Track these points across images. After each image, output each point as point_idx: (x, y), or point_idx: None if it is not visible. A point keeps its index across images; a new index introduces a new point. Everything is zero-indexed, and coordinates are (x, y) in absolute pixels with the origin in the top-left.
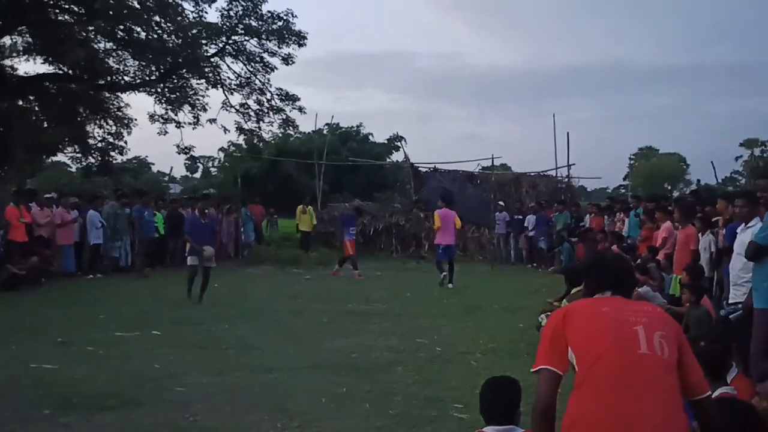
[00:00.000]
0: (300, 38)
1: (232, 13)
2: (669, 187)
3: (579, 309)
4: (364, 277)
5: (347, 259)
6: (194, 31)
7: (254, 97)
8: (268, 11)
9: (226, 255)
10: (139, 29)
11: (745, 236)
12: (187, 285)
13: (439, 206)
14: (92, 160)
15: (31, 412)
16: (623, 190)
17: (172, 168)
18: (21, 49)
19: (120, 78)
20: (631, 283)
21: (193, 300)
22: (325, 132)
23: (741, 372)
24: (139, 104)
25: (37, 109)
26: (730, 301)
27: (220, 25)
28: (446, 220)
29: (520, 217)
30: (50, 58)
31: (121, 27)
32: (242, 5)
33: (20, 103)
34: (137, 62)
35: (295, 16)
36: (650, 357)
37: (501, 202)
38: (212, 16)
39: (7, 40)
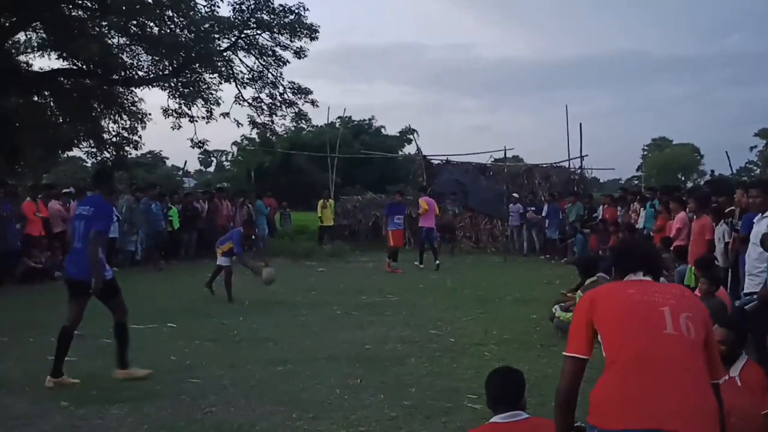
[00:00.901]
0: (312, 31)
1: (244, 7)
2: (683, 178)
3: (606, 292)
4: (402, 272)
5: (395, 251)
6: (207, 26)
7: (267, 91)
8: (280, 5)
9: None
10: (152, 24)
11: (761, 226)
12: (226, 289)
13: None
14: (107, 155)
15: (48, 404)
16: (636, 181)
17: (186, 162)
18: (35, 45)
19: (134, 73)
20: (660, 265)
21: (236, 300)
22: (337, 125)
23: (750, 360)
24: (152, 99)
25: (52, 104)
26: (745, 291)
27: (232, 19)
28: (431, 207)
29: (533, 208)
30: (64, 54)
31: (134, 22)
32: None
33: (35, 99)
34: (150, 57)
35: (307, 9)
36: (676, 337)
37: (515, 194)
38: (224, 10)
39: (21, 37)
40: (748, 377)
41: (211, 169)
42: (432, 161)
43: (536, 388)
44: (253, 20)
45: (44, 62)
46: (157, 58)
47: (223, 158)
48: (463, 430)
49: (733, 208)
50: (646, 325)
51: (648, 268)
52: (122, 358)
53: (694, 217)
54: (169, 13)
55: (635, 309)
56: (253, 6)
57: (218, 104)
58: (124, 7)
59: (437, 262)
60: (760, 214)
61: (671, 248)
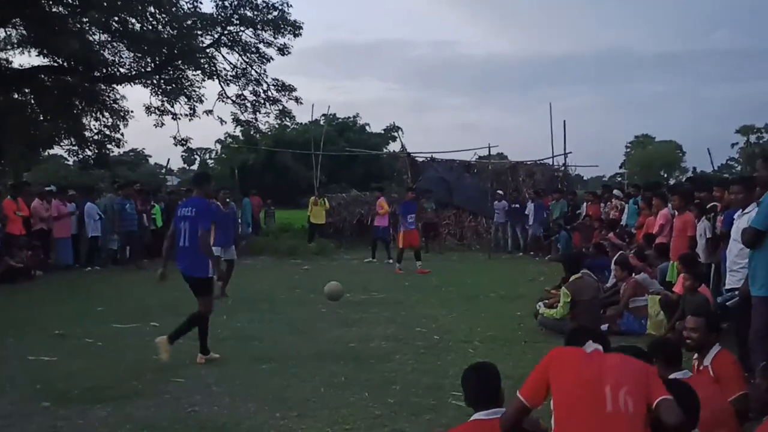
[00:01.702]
0: (295, 28)
1: (227, 3)
2: (665, 175)
3: (564, 361)
4: (403, 272)
5: (416, 250)
6: (189, 22)
7: (250, 88)
8: (263, 1)
9: None
10: (133, 20)
11: (741, 222)
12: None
13: (376, 196)
14: (89, 153)
15: (29, 405)
16: (619, 178)
17: (169, 160)
18: (15, 41)
19: (115, 70)
20: (606, 338)
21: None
22: (321, 123)
23: (724, 349)
24: (135, 96)
25: (32, 102)
26: (726, 287)
27: (215, 15)
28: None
29: (517, 205)
30: (45, 51)
31: (116, 18)
32: None
33: (16, 96)
34: (132, 54)
35: (290, 5)
36: (614, 415)
37: (500, 191)
38: (207, 6)
39: (1, 33)
40: (719, 366)
41: (195, 167)
42: (417, 159)
43: (521, 384)
44: (236, 17)
45: (24, 59)
46: (139, 55)
47: (207, 156)
48: (447, 427)
49: (715, 204)
50: (590, 405)
51: (595, 338)
52: (202, 344)
53: (676, 213)
54: (151, 9)
55: (582, 388)
56: (236, 2)
57: (201, 101)
58: (105, 3)
59: (389, 260)
60: (741, 210)
61: (653, 245)
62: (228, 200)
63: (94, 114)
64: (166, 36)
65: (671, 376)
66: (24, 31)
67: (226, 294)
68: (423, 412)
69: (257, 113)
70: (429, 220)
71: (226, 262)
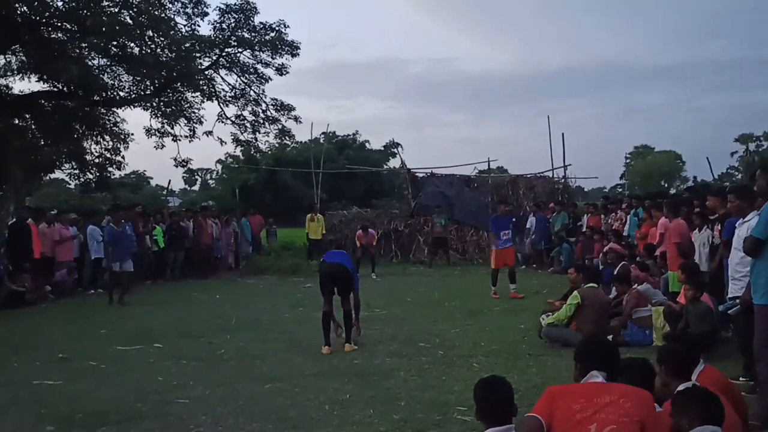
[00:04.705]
0: (293, 48)
1: (224, 25)
2: (666, 185)
3: (561, 399)
4: (499, 296)
5: (511, 271)
6: (187, 45)
7: (249, 108)
8: (261, 23)
9: (225, 266)
10: (132, 44)
11: (741, 230)
12: (110, 291)
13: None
14: (90, 176)
15: (34, 428)
16: (620, 189)
17: (170, 181)
18: (15, 68)
19: (115, 93)
20: (619, 366)
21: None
22: (321, 141)
23: (708, 365)
24: (135, 119)
25: (33, 127)
26: (729, 296)
27: (213, 37)
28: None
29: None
30: (45, 76)
31: (115, 43)
32: (234, 18)
33: (16, 121)
34: (132, 77)
35: (288, 26)
36: None
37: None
38: (205, 29)
39: (0, 60)
40: (704, 382)
41: (196, 187)
42: (417, 174)
43: (526, 398)
44: (234, 38)
45: (24, 85)
46: (138, 78)
47: (208, 176)
48: None
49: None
50: None
51: (609, 369)
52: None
53: (668, 222)
54: (150, 33)
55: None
56: (233, 24)
57: (201, 123)
58: (104, 29)
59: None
60: (741, 219)
61: (656, 255)
62: (122, 221)
63: (94, 137)
64: (164, 59)
65: (683, 386)
66: (24, 58)
67: (124, 302)
68: (428, 428)
69: (257, 133)
70: (438, 235)
71: (124, 273)
